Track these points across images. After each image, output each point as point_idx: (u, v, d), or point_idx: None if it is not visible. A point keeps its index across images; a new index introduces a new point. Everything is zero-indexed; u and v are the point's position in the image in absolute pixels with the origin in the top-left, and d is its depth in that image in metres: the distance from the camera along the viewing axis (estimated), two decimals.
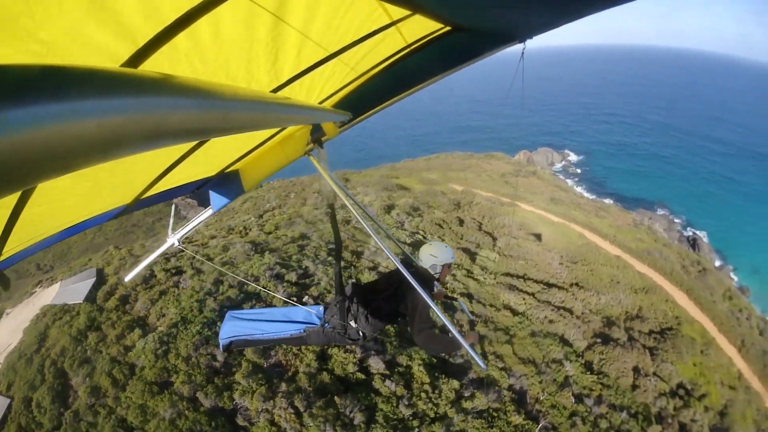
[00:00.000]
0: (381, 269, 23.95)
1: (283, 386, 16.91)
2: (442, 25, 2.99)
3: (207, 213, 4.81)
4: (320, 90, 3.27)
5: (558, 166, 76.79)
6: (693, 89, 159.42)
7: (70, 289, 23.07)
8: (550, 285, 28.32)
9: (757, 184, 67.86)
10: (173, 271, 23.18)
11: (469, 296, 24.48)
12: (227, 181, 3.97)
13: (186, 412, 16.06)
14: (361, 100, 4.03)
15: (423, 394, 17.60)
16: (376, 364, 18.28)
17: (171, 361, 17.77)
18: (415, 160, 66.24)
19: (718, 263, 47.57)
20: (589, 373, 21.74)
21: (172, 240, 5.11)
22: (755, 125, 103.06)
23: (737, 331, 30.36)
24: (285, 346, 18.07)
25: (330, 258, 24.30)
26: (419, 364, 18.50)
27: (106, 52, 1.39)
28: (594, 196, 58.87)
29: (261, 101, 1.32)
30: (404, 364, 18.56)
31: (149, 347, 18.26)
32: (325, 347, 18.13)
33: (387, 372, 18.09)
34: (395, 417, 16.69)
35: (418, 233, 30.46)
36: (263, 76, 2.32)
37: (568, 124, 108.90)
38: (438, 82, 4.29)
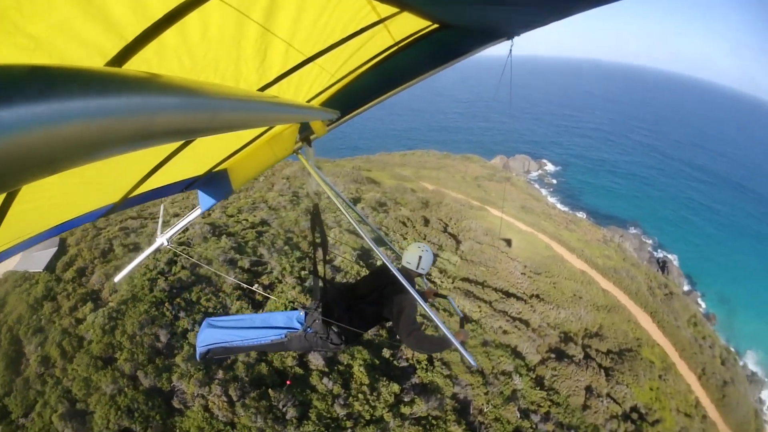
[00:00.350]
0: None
1: (221, 373, 16.71)
2: (430, 23, 2.98)
3: (196, 213, 4.79)
4: (309, 88, 3.21)
5: (534, 174, 74.87)
6: (680, 114, 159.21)
7: (33, 257, 22.40)
8: (509, 294, 27.47)
9: (733, 215, 67.30)
10: (131, 246, 22.55)
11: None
12: (216, 181, 3.92)
13: (126, 389, 16.04)
14: (350, 98, 3.95)
15: (361, 395, 17.07)
16: (316, 360, 17.74)
17: (117, 337, 17.68)
18: (391, 155, 65.49)
19: (686, 288, 46.81)
20: (538, 388, 21.02)
21: (161, 240, 5.08)
22: (738, 156, 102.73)
23: (699, 358, 29.82)
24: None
25: (286, 247, 23.59)
26: (360, 364, 17.93)
27: (94, 48, 1.35)
28: (567, 209, 57.78)
29: (249, 100, 1.23)
30: (345, 363, 18.01)
31: (98, 322, 18.09)
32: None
33: (326, 369, 17.55)
34: (329, 416, 16.36)
35: (381, 229, 29.47)
36: (252, 74, 2.29)
37: (549, 134, 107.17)
38: (423, 81, 4.14)
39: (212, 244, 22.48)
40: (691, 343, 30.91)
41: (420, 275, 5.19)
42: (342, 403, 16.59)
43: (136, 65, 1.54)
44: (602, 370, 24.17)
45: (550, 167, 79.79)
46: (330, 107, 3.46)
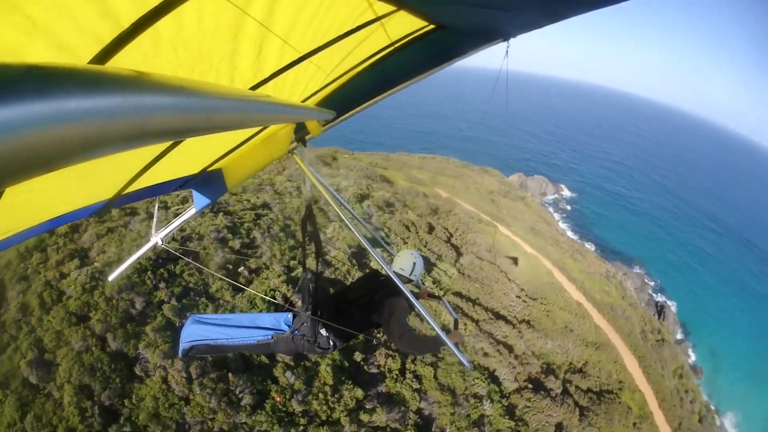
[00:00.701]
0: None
1: None
2: (426, 24, 2.93)
3: (190, 212, 4.63)
4: (305, 87, 3.18)
5: (549, 197, 72.48)
6: (703, 160, 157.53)
7: None
8: (499, 316, 26.40)
9: (737, 270, 64.86)
10: (128, 210, 22.16)
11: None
12: (210, 180, 3.83)
13: (93, 348, 16.11)
14: (346, 97, 3.86)
15: (321, 395, 16.57)
16: None
17: (95, 297, 17.70)
18: (411, 156, 63.59)
19: (679, 336, 45.23)
20: (508, 417, 19.96)
21: (156, 239, 4.87)
22: (751, 211, 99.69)
23: (678, 411, 28.39)
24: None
25: (282, 234, 23.00)
26: (328, 364, 17.34)
27: (90, 33, 1.33)
28: (576, 237, 56.29)
29: (243, 100, 1.19)
30: (313, 360, 17.39)
31: (80, 280, 18.06)
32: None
33: (292, 363, 17.01)
34: (284, 409, 16.04)
35: (382, 230, 28.60)
36: (247, 69, 2.23)
37: (571, 160, 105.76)
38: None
39: (207, 221, 22.04)
40: (672, 395, 29.46)
41: (411, 281, 5.02)
42: (300, 399, 16.10)
43: (131, 53, 1.50)
44: (577, 409, 22.96)
45: (566, 193, 77.78)
46: (326, 107, 3.41)
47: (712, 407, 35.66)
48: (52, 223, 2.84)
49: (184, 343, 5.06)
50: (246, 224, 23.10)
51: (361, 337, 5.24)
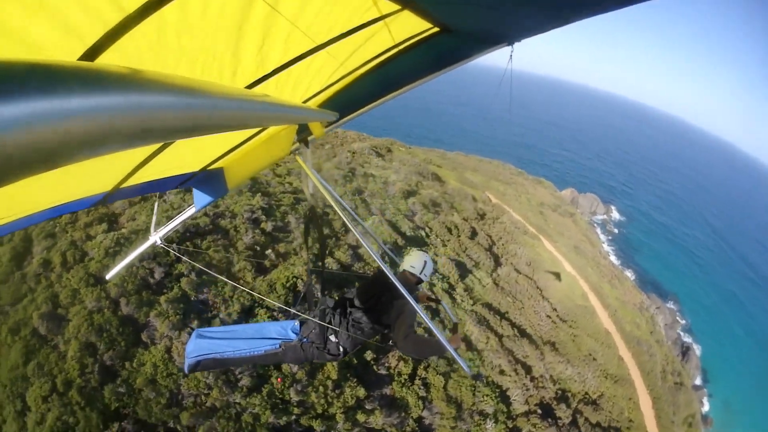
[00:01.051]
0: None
1: (195, 323, 16.38)
2: (430, 26, 2.87)
3: (190, 211, 4.49)
4: (308, 85, 3.11)
5: (599, 217, 69.84)
6: (755, 206, 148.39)
7: None
8: (524, 334, 24.92)
9: (765, 324, 60.46)
10: None
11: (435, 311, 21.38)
12: (211, 179, 3.66)
13: (105, 310, 16.26)
14: (349, 99, 3.74)
15: (322, 388, 16.02)
16: None
17: (116, 262, 17.06)
18: (468, 157, 61.39)
19: (698, 382, 42.59)
20: None
21: (155, 238, 4.70)
22: None
23: None
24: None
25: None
26: None
27: (96, 15, 1.26)
28: (618, 262, 53.91)
29: (246, 100, 1.15)
30: None
31: (105, 243, 18.25)
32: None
33: None
34: (280, 396, 15.69)
35: (423, 229, 27.48)
36: (250, 63, 2.18)
37: (625, 182, 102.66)
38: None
39: (244, 199, 21.73)
40: None
41: (421, 281, 4.89)
42: (299, 389, 15.59)
43: (136, 39, 1.43)
44: None
45: (615, 215, 74.70)
46: (328, 108, 3.41)
47: None
48: (49, 212, 2.73)
49: (190, 359, 4.83)
50: (283, 207, 22.68)
51: (373, 341, 5.01)
